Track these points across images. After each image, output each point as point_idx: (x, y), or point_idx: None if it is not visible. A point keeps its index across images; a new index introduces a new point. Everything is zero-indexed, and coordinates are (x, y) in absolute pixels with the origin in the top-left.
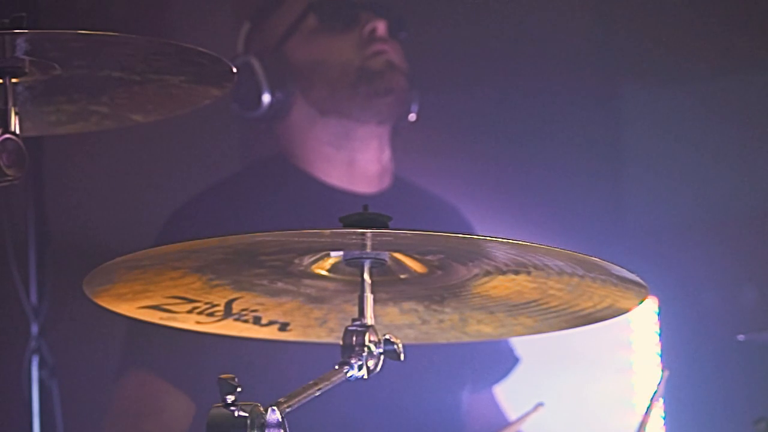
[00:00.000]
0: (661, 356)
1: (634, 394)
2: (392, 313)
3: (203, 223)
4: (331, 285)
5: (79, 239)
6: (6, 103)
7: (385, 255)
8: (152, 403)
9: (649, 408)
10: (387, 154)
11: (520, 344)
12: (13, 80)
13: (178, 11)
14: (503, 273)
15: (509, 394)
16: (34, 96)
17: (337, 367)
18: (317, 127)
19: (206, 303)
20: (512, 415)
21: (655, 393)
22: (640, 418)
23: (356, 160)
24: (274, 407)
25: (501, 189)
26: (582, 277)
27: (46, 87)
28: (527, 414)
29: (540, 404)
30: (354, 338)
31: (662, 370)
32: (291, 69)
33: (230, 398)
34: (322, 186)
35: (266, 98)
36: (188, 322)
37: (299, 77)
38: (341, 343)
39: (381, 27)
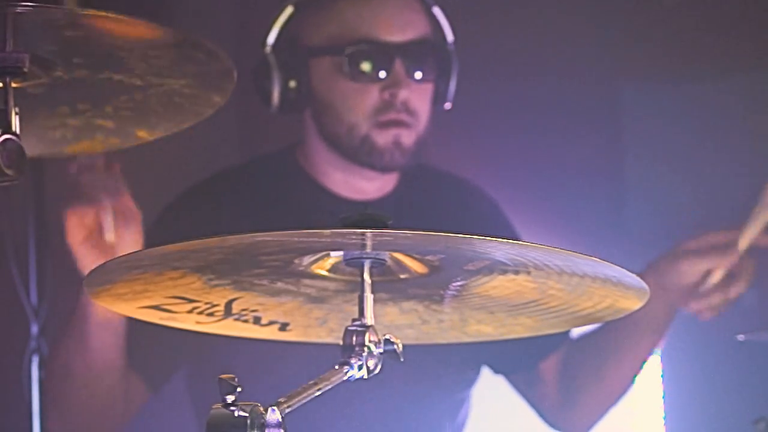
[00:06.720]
0: (661, 356)
1: (633, 394)
2: (392, 313)
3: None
4: (331, 285)
5: None
6: (6, 104)
7: (385, 255)
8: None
9: None
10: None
11: None
12: (14, 85)
13: (179, 12)
14: (503, 273)
15: (507, 394)
16: (36, 106)
17: (337, 367)
18: (324, 153)
19: (206, 303)
20: None
21: None
22: None
23: (359, 183)
24: (274, 407)
25: (500, 189)
26: (582, 277)
27: (48, 94)
28: None
29: None
30: (354, 338)
31: None
32: (311, 87)
33: (230, 398)
34: (321, 188)
35: (276, 100)
36: (188, 322)
37: (314, 102)
38: (341, 343)
39: (403, 94)
